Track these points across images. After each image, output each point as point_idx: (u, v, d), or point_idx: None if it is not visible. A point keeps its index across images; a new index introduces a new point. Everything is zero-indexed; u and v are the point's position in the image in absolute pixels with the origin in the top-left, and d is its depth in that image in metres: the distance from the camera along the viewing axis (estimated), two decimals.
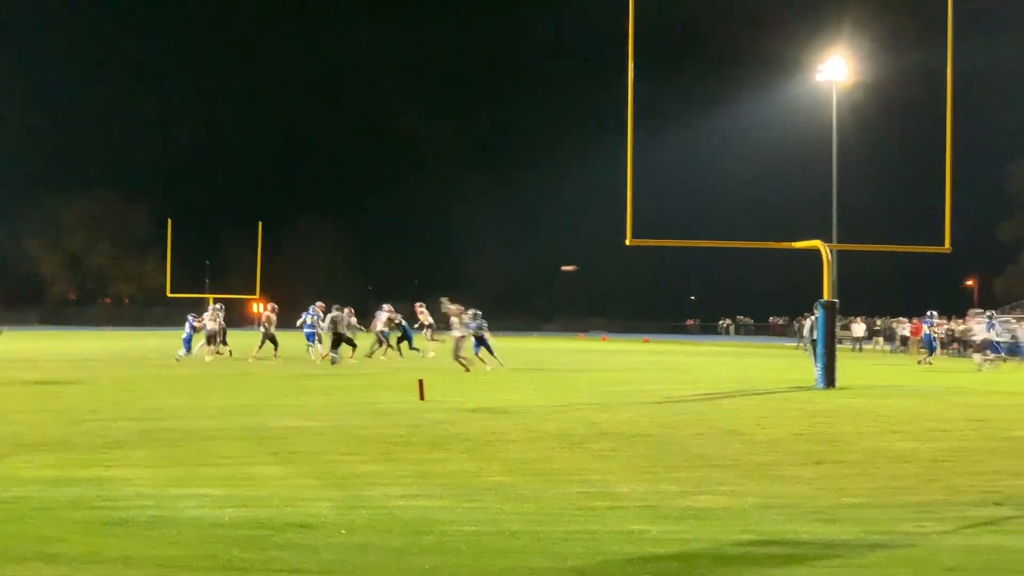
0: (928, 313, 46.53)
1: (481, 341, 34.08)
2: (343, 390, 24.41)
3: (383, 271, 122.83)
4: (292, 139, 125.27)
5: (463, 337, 32.95)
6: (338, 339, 36.09)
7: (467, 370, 31.71)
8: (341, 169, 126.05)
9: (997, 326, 42.90)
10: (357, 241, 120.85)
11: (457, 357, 32.45)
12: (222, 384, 26.66)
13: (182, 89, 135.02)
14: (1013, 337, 44.78)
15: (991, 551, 8.92)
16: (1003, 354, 43.06)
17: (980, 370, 38.96)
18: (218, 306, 40.54)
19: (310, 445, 15.31)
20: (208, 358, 38.16)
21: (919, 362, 44.08)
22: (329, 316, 37.08)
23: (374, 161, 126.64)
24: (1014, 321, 45.87)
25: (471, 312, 33.73)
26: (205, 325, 39.57)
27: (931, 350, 45.31)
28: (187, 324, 39.97)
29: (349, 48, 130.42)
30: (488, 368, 33.24)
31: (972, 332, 50.55)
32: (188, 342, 39.57)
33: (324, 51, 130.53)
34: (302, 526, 9.58)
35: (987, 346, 41.70)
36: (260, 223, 77.12)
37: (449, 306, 33.76)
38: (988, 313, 43.95)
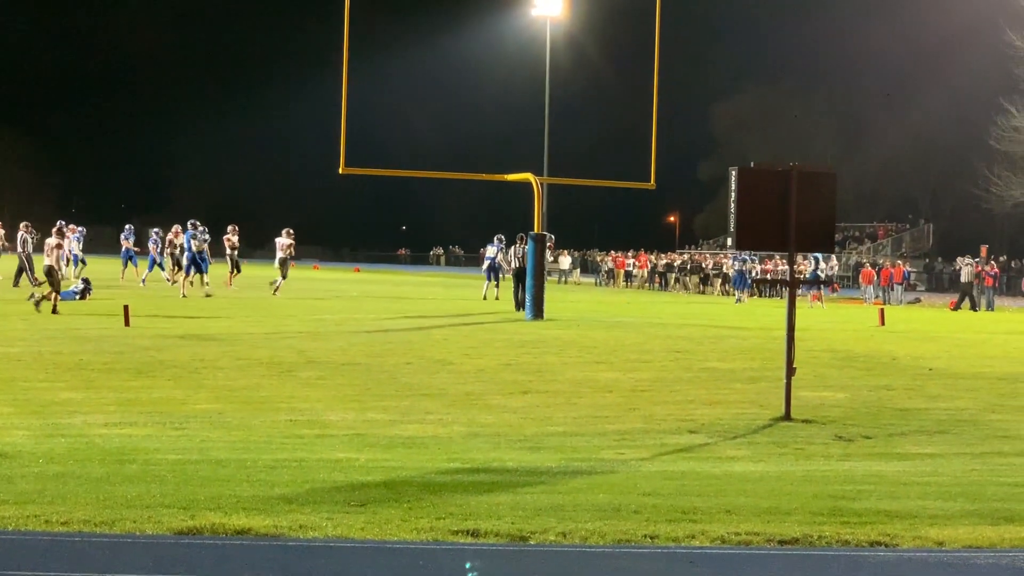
0: (737, 253, 47.85)
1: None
2: (42, 316, 23.47)
3: (86, 191, 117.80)
4: None
5: None
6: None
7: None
8: (40, 79, 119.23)
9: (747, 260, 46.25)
10: (55, 157, 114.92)
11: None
12: None
13: None
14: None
15: (684, 476, 9.36)
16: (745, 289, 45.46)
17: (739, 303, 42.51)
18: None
19: (6, 372, 14.72)
20: None
21: (737, 301, 43.97)
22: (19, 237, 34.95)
23: (78, 73, 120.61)
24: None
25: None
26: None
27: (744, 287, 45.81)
28: None
29: None
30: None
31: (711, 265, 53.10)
32: None
33: None
34: None
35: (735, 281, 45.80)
36: None
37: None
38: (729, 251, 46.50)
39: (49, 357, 16.31)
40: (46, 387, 13.59)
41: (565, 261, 62.97)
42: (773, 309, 37.17)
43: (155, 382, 14.36)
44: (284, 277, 36.07)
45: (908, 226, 79.81)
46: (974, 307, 41.68)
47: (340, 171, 28.25)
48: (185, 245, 34.53)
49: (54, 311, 23.61)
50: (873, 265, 50.56)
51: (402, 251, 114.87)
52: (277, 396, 13.58)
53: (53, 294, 24.28)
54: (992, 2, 61.99)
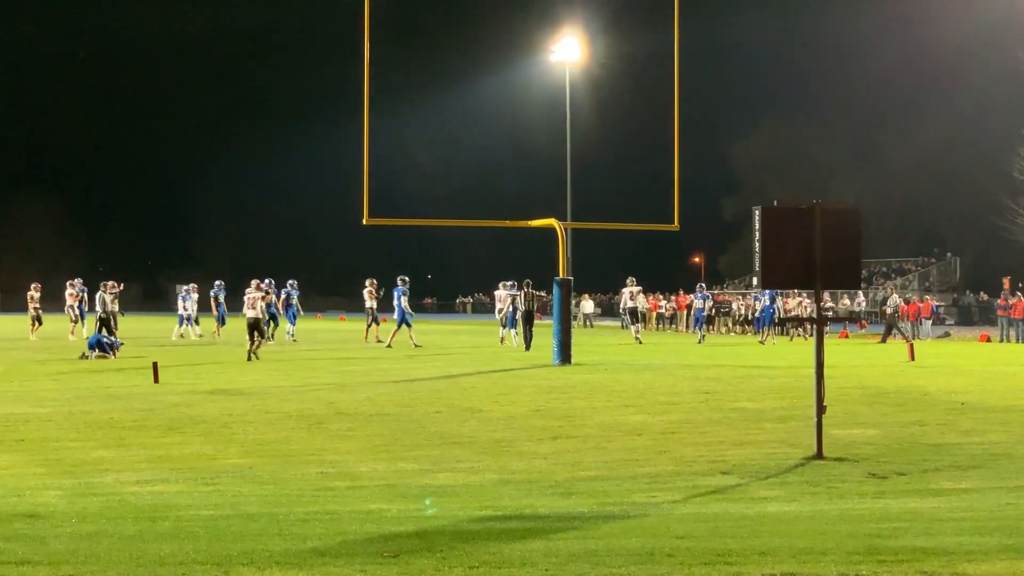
0: (698, 286, 47.66)
1: None
2: (72, 375, 23.60)
3: (112, 249, 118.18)
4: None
5: None
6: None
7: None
8: (60, 138, 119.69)
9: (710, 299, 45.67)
10: (81, 216, 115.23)
11: None
12: None
13: None
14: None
15: (718, 518, 9.30)
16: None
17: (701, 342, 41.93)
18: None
19: (37, 432, 14.77)
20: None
21: (700, 340, 43.17)
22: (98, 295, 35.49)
23: (100, 131, 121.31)
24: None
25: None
26: None
27: (703, 323, 45.26)
28: None
29: (83, 14, 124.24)
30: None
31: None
32: None
33: (46, 15, 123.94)
34: (30, 516, 9.24)
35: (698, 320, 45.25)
36: None
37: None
38: (699, 285, 46.58)
39: (80, 416, 16.37)
40: (77, 446, 13.63)
41: (588, 305, 62.93)
42: (793, 347, 36.91)
43: (185, 438, 14.38)
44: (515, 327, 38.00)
45: (935, 260, 79.48)
46: (890, 336, 42.73)
47: (364, 222, 28.37)
48: (396, 301, 36.92)
49: (255, 357, 27.71)
50: (906, 301, 50.32)
51: (428, 300, 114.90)
52: (307, 449, 13.57)
53: (260, 342, 28.38)
54: (1011, 34, 62.04)
